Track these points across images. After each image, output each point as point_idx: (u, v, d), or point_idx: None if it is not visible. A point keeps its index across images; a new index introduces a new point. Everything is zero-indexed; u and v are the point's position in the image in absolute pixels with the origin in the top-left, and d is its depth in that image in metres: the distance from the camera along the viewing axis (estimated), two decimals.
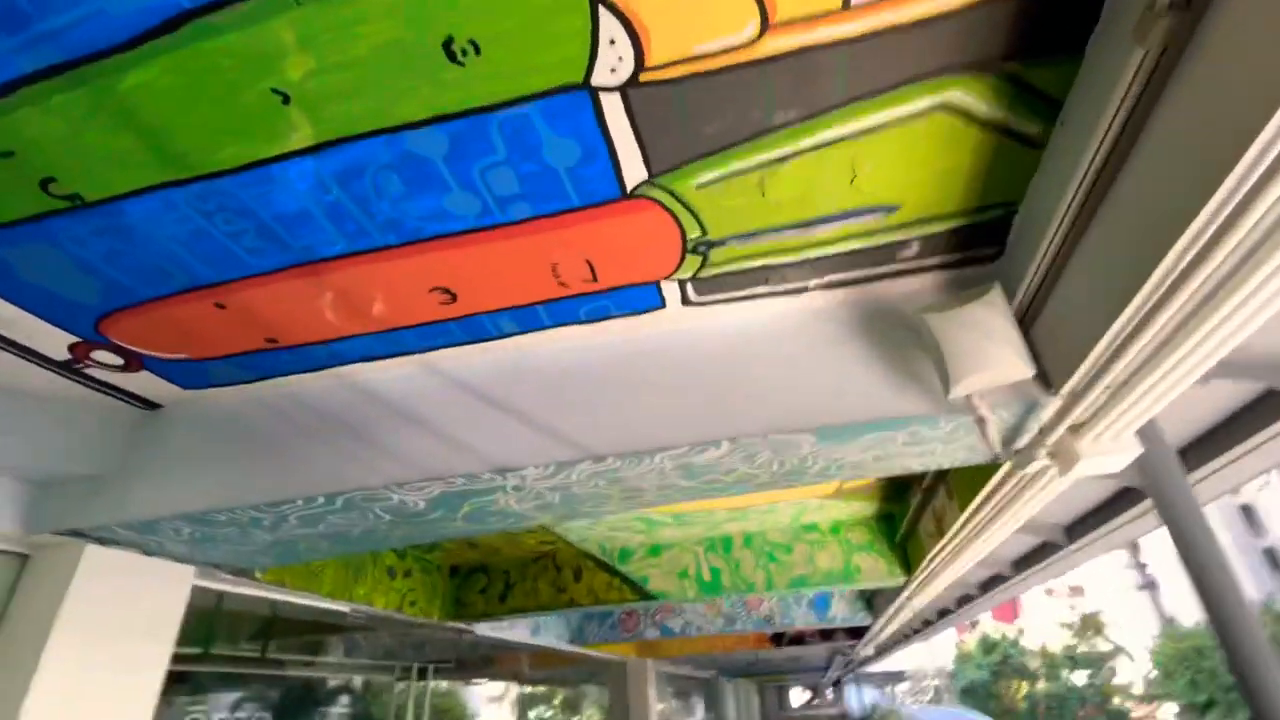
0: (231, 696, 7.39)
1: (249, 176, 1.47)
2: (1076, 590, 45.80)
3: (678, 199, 1.58)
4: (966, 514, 2.75)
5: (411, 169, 1.46)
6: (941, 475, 3.13)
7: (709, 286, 1.94)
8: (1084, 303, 1.56)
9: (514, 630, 6.42)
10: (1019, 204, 1.68)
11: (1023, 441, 1.98)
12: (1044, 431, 1.85)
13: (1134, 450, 1.84)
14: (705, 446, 1.95)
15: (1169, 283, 1.30)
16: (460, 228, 1.63)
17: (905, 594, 4.94)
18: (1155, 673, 24.51)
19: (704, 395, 1.98)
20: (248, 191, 1.50)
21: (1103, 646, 32.12)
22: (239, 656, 4.78)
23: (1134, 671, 30.12)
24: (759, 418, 1.90)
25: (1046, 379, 1.76)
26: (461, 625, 5.43)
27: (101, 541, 2.43)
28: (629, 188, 1.54)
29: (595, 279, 1.85)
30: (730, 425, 1.91)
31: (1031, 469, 2.00)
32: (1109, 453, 1.83)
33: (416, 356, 2.20)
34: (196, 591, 3.06)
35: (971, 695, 34.59)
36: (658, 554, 4.97)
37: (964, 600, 7.27)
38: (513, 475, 2.05)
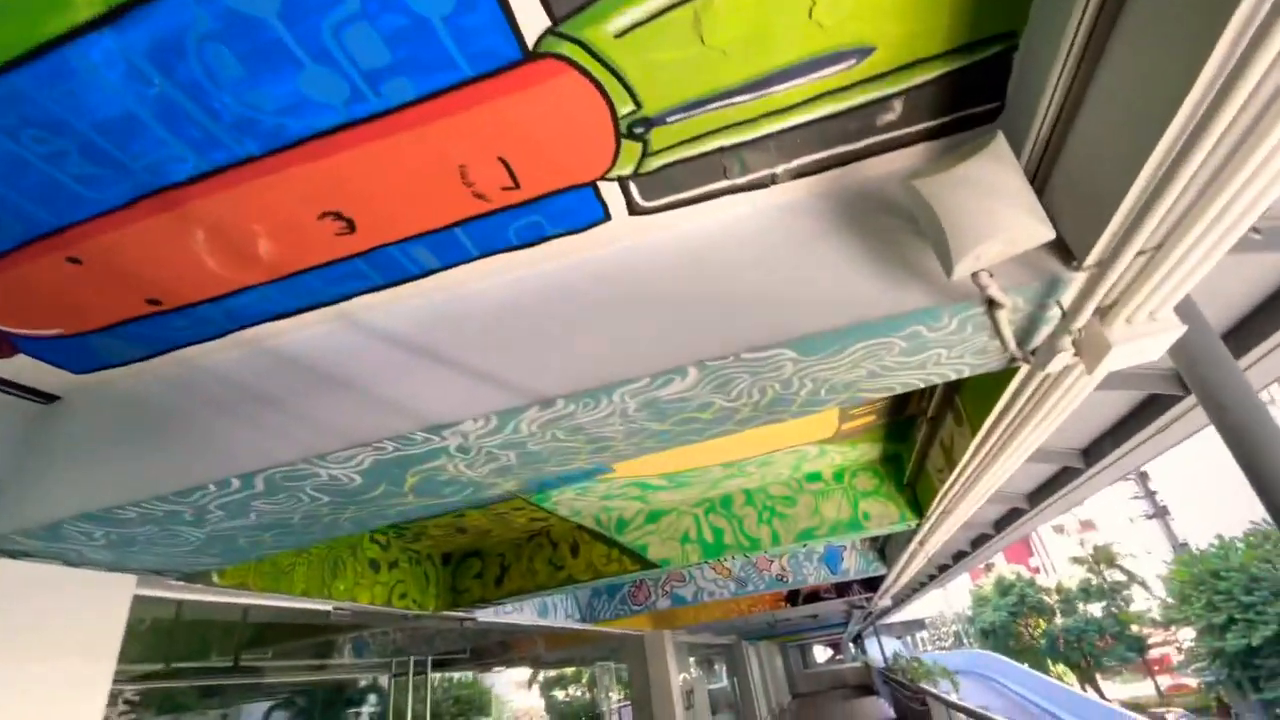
0: (263, 706, 7.27)
1: (42, 69, 1.15)
2: (1087, 525, 46.18)
3: (596, 56, 1.26)
4: (979, 438, 2.47)
5: (243, 37, 1.13)
6: (948, 400, 2.85)
7: (657, 185, 1.62)
8: (1105, 147, 1.25)
9: (521, 614, 6.21)
10: (1019, 35, 1.36)
11: (1042, 335, 1.69)
12: (1068, 317, 1.55)
13: (1174, 330, 1.54)
14: (670, 377, 1.65)
15: (1207, 104, 1.01)
16: (330, 122, 1.31)
17: (918, 538, 4.70)
18: (1171, 598, 24.68)
19: (664, 319, 1.68)
20: (48, 92, 1.18)
21: (1117, 577, 32.41)
22: (208, 668, 4.54)
23: (1150, 599, 30.44)
24: (728, 336, 1.60)
25: (1066, 250, 1.45)
26: (460, 614, 5.20)
27: (10, 555, 2.15)
28: (530, 44, 1.22)
29: (516, 184, 1.53)
30: (695, 348, 1.61)
31: (1054, 367, 1.70)
32: (1145, 335, 1.54)
33: (330, 309, 1.89)
34: (144, 602, 2.80)
35: (991, 636, 35.02)
36: (656, 520, 4.72)
37: (979, 541, 7.08)
38: (450, 433, 1.75)
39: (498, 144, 1.42)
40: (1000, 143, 1.31)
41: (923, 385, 1.95)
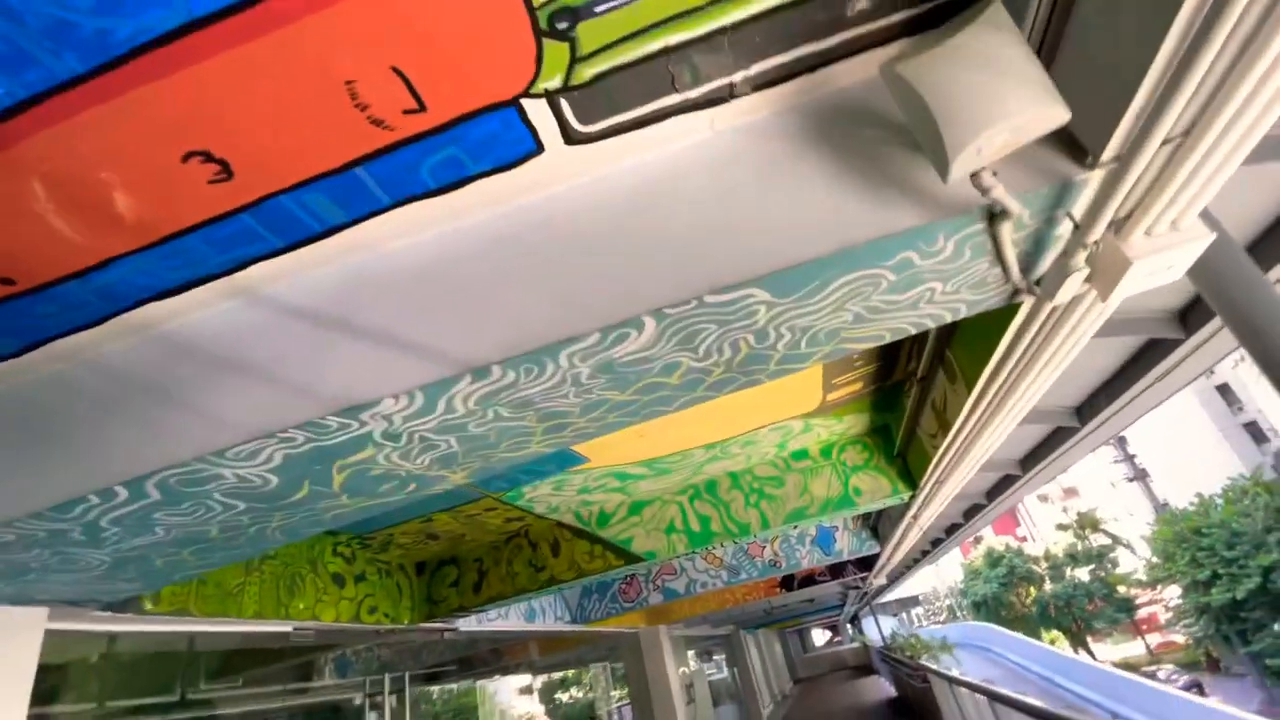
0: None
1: None
2: (1070, 492, 46.96)
3: None
4: (975, 393, 2.26)
5: None
6: (939, 357, 2.64)
7: (595, 103, 1.36)
8: (1121, 17, 1.03)
9: (506, 620, 5.93)
10: None
11: (1048, 259, 1.46)
12: (1080, 230, 1.33)
13: (1200, 239, 1.33)
14: (623, 330, 1.40)
15: None
16: (167, 23, 1.04)
17: (911, 512, 4.52)
18: (1155, 558, 25.11)
19: (614, 266, 1.43)
20: None
21: (1102, 541, 32.98)
22: (147, 706, 4.20)
23: (1135, 561, 31.02)
24: (687, 278, 1.35)
25: (1078, 146, 1.23)
26: (439, 624, 4.91)
27: None
28: None
29: (421, 105, 1.27)
30: (650, 295, 1.36)
31: (1063, 296, 1.48)
32: (1168, 248, 1.32)
33: (225, 282, 1.60)
34: (61, 637, 2.49)
35: (983, 608, 35.44)
36: (639, 511, 4.48)
37: (972, 512, 6.95)
38: (370, 416, 1.49)
39: (389, 49, 1.15)
40: (998, 9, 1.08)
41: (914, 330, 1.72)
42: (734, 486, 4.37)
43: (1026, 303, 1.67)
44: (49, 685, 3.55)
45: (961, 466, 3.33)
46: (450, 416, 1.58)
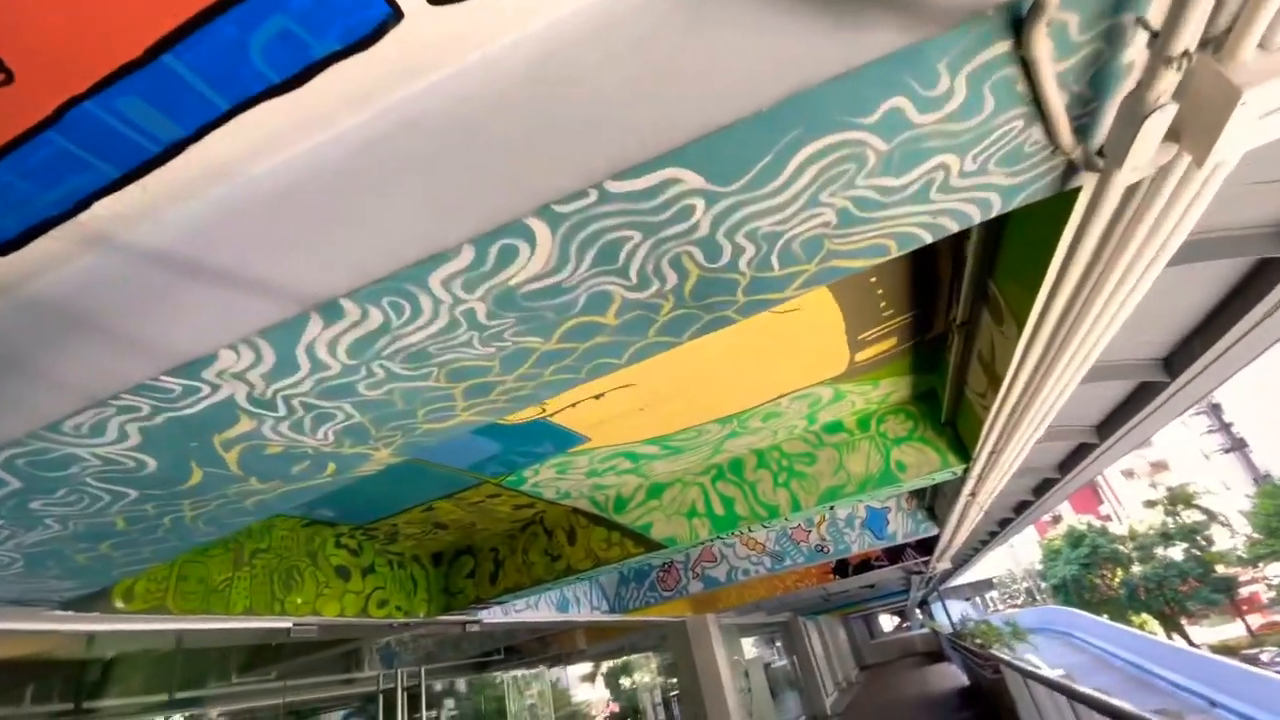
0: None
1: None
2: (1158, 466, 43.68)
3: None
4: (1027, 333, 1.79)
5: None
6: (981, 293, 2.15)
7: None
8: None
9: (535, 610, 5.71)
10: None
11: (1114, 99, 1.01)
12: (1160, 43, 0.87)
13: None
14: (508, 243, 1.04)
15: None
16: None
17: (967, 489, 3.99)
18: (1256, 533, 22.93)
19: (496, 159, 1.06)
20: None
21: (1196, 518, 30.49)
22: (135, 706, 4.13)
23: (1233, 537, 28.55)
24: (584, 160, 0.98)
25: None
26: (459, 617, 4.71)
27: None
28: None
29: None
30: (537, 185, 1.00)
31: (1138, 162, 1.02)
32: None
33: (69, 227, 1.33)
34: (24, 638, 2.35)
35: (1065, 591, 33.44)
36: (659, 495, 4.12)
37: (1043, 488, 6.27)
38: (214, 375, 1.19)
39: None
40: None
41: (929, 237, 1.29)
42: (760, 465, 3.95)
43: (1087, 184, 1.21)
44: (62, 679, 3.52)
45: (1020, 431, 2.82)
46: (325, 375, 1.26)
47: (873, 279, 2.34)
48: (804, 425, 3.76)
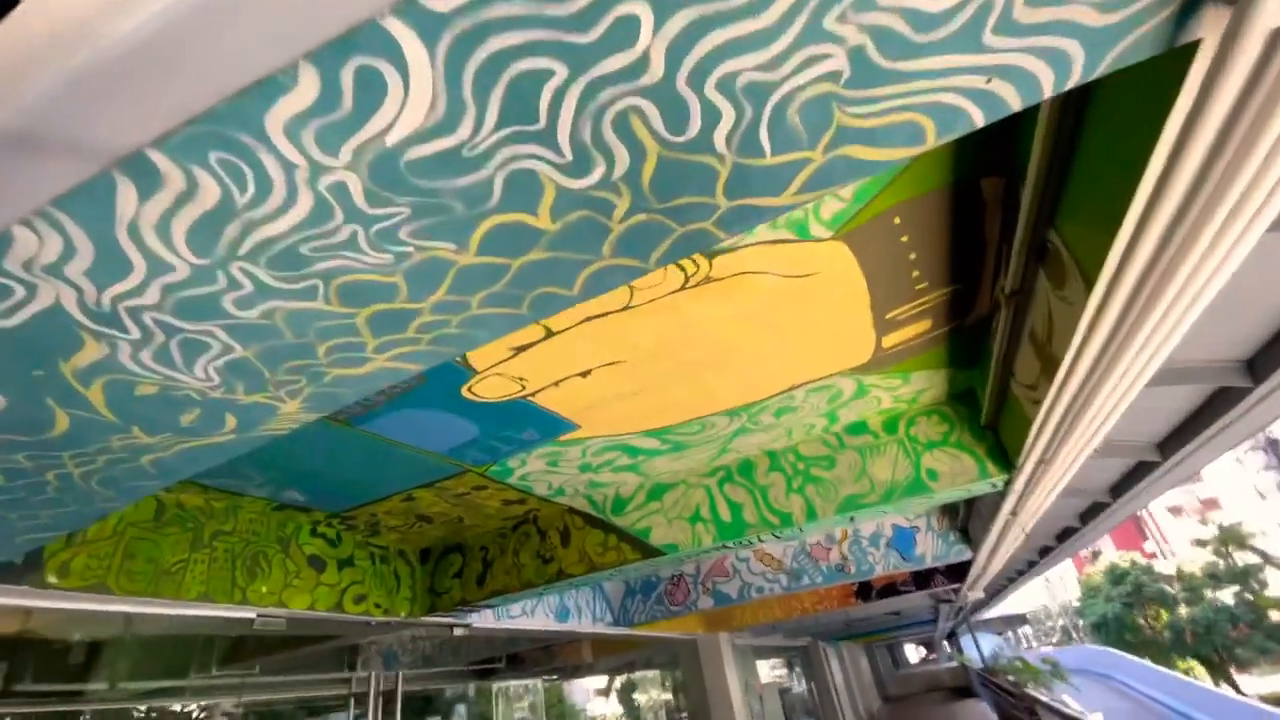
0: None
1: None
2: (1209, 504, 41.37)
3: None
4: (1105, 281, 1.41)
5: None
6: (1036, 251, 1.77)
7: None
8: None
9: (533, 619, 5.38)
10: None
11: None
12: None
13: None
14: (370, 59, 0.73)
15: None
16: None
17: (1008, 506, 3.54)
18: None
19: None
20: None
21: (1249, 559, 28.62)
22: (58, 692, 3.88)
23: None
24: None
25: None
26: (446, 618, 4.41)
27: None
28: None
29: None
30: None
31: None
32: None
33: None
34: None
35: (1104, 630, 31.68)
36: (660, 496, 3.77)
37: (1091, 513, 5.71)
38: (23, 268, 0.90)
39: None
40: None
41: (981, 117, 0.93)
42: (774, 468, 3.57)
43: (1210, 30, 0.84)
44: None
45: (1074, 437, 2.40)
46: (171, 280, 0.97)
47: (904, 238, 1.97)
48: (823, 425, 3.38)
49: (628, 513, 3.82)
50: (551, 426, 2.85)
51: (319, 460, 2.84)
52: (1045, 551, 8.16)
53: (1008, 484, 3.17)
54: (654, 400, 2.78)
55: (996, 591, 13.63)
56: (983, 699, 17.67)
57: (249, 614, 3.20)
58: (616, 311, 2.09)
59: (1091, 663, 27.42)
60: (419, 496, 3.44)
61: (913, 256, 2.07)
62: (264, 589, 3.22)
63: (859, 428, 3.43)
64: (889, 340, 2.58)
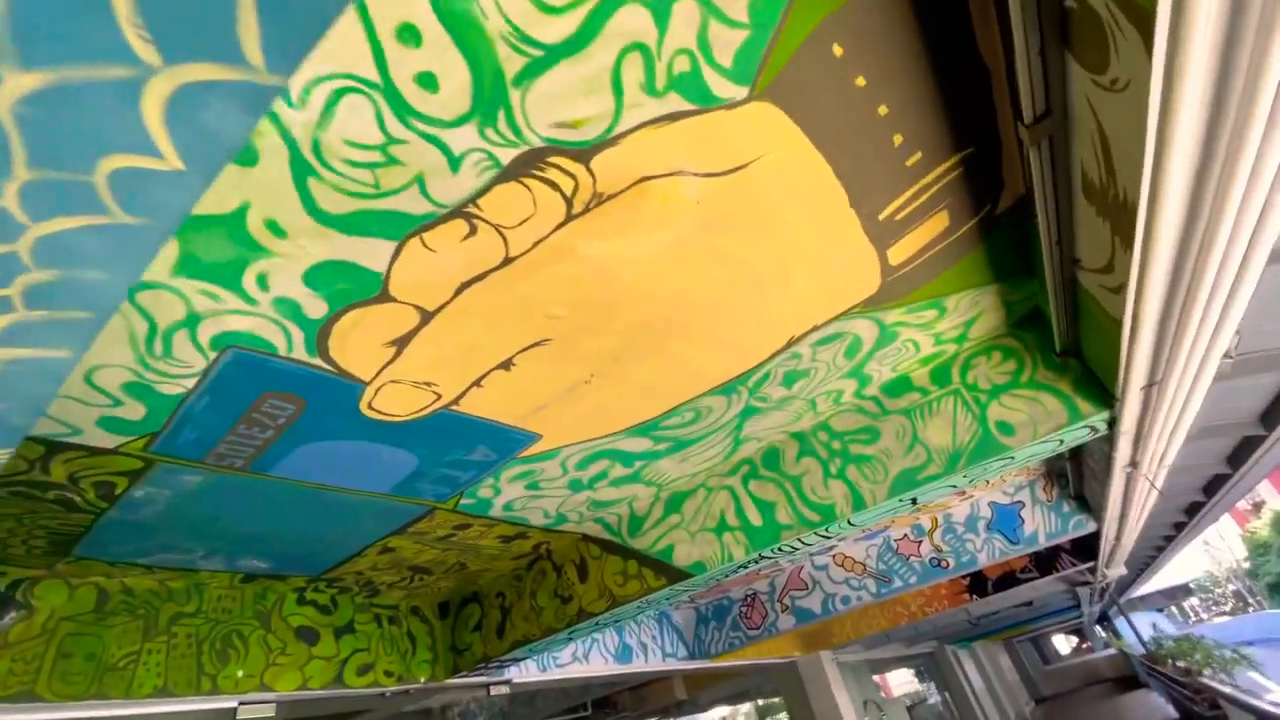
0: None
1: None
2: None
3: None
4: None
5: None
6: (1049, 21, 1.12)
7: None
8: None
9: (587, 665, 4.83)
10: None
11: None
12: None
13: None
14: None
15: None
16: None
17: (1122, 452, 2.71)
18: None
19: None
20: None
21: None
22: None
23: None
24: None
25: None
26: (481, 679, 3.94)
27: None
28: None
29: None
30: None
31: None
32: None
33: None
34: None
35: None
36: (678, 507, 3.18)
37: (1240, 453, 4.59)
38: None
39: None
40: None
41: None
42: (805, 452, 2.90)
43: None
44: None
45: (1188, 328, 1.65)
46: None
47: (860, 80, 1.36)
48: (853, 389, 2.70)
49: (645, 531, 3.24)
50: (504, 441, 2.35)
51: (253, 520, 2.46)
52: (1195, 509, 6.83)
53: (1112, 424, 2.38)
54: (617, 388, 2.23)
55: (1144, 565, 11.86)
56: (1152, 688, 15.40)
57: (228, 704, 2.84)
58: (496, 270, 1.58)
59: (1276, 629, 23.69)
60: (398, 546, 3.01)
61: (883, 111, 1.45)
62: (240, 673, 2.86)
63: (900, 385, 2.73)
64: (896, 253, 1.92)
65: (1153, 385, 2.08)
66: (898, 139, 1.53)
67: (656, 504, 3.24)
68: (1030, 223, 1.91)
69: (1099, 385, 2.27)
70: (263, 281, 1.46)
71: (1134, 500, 3.73)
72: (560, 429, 2.39)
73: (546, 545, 3.52)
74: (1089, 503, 4.64)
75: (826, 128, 1.45)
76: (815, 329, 2.20)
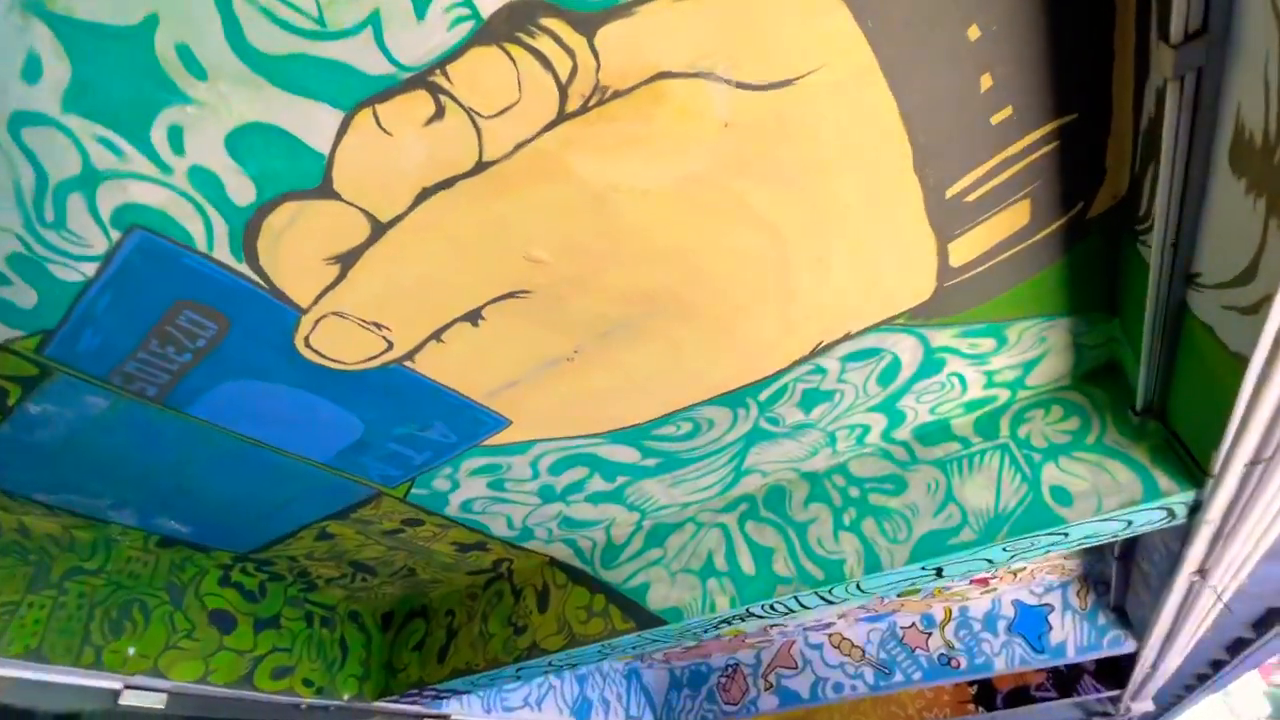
0: None
1: None
2: None
3: None
4: None
5: None
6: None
7: None
8: None
9: (539, 713, 4.31)
10: None
11: None
12: None
13: None
14: None
15: None
16: None
17: (1198, 548, 2.25)
18: None
19: None
20: None
21: None
22: None
23: None
24: None
25: None
26: (413, 707, 3.47)
27: None
28: None
29: None
30: None
31: None
32: None
33: None
34: None
35: None
36: (662, 542, 2.77)
37: None
38: None
39: None
40: None
41: None
42: (815, 497, 2.50)
43: None
44: None
45: None
46: None
47: (970, 26, 1.06)
48: (882, 426, 2.31)
49: (620, 564, 2.83)
50: (467, 420, 2.01)
51: (170, 469, 2.13)
52: (1238, 647, 6.10)
53: (1194, 510, 1.96)
54: (605, 375, 1.89)
55: (1169, 706, 10.79)
56: None
57: (111, 684, 2.45)
58: (466, 176, 1.27)
59: None
60: (338, 534, 2.64)
61: (974, 35, 1.14)
62: (131, 650, 2.48)
63: (938, 431, 2.34)
64: (961, 249, 1.58)
65: (1260, 463, 1.67)
66: (986, 81, 1.22)
67: (638, 534, 2.84)
68: (1127, 236, 1.56)
69: (1186, 457, 1.86)
70: (176, 138, 1.17)
71: (1190, 619, 3.20)
72: (534, 417, 2.05)
73: (509, 564, 3.12)
74: (1130, 617, 4.09)
75: (900, 46, 1.14)
76: (849, 337, 1.85)
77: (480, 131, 1.20)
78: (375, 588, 3.21)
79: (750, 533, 2.57)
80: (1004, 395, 2.20)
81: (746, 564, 2.52)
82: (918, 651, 4.79)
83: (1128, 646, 4.19)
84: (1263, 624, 4.84)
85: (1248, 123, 1.00)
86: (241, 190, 1.27)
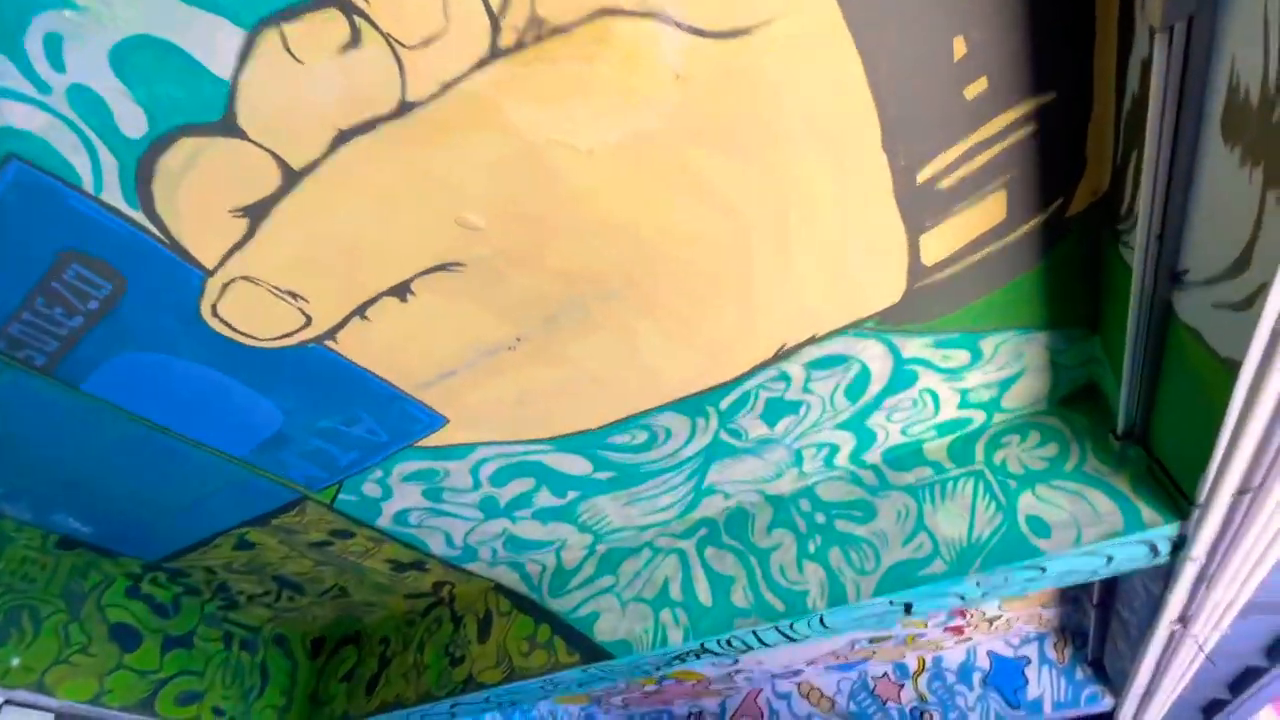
0: None
1: None
2: None
3: None
4: None
5: None
6: None
7: None
8: None
9: None
10: None
11: None
12: None
13: None
14: None
15: None
16: None
17: (1179, 593, 2.10)
18: None
19: None
20: None
21: None
22: None
23: None
24: None
25: None
26: None
27: None
28: None
29: None
30: None
31: None
32: None
33: None
34: None
35: None
36: (615, 568, 2.57)
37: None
38: None
39: None
40: None
41: None
42: (780, 522, 2.33)
43: None
44: None
45: None
46: None
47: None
48: (850, 447, 2.17)
49: (570, 590, 2.61)
50: (397, 415, 1.83)
51: (65, 455, 1.92)
52: (1213, 708, 5.89)
53: (1178, 547, 1.82)
54: (552, 370, 1.73)
55: None
56: None
57: None
58: (389, 119, 1.15)
59: None
60: (259, 542, 2.41)
61: (954, 23, 1.05)
62: (15, 661, 2.20)
63: (909, 455, 2.20)
64: (933, 243, 1.48)
65: (1248, 492, 1.55)
66: (960, 46, 1.12)
67: (591, 558, 2.64)
68: (1109, 238, 1.47)
69: (1170, 486, 1.73)
70: (53, 48, 1.03)
71: (1170, 672, 3.03)
72: (473, 415, 1.88)
73: (450, 588, 2.88)
74: (1108, 671, 3.90)
75: (877, 16, 1.04)
76: (814, 340, 1.72)
77: (403, 64, 1.07)
78: (304, 608, 2.95)
79: (710, 560, 2.38)
80: (979, 418, 2.07)
81: (704, 594, 2.32)
82: (889, 703, 4.54)
83: (1105, 704, 3.99)
84: (1239, 684, 4.67)
85: (1243, 77, 0.90)
86: (132, 119, 1.13)
